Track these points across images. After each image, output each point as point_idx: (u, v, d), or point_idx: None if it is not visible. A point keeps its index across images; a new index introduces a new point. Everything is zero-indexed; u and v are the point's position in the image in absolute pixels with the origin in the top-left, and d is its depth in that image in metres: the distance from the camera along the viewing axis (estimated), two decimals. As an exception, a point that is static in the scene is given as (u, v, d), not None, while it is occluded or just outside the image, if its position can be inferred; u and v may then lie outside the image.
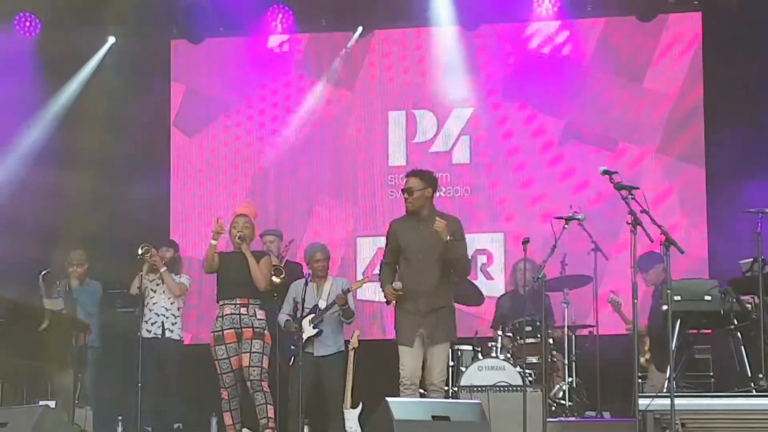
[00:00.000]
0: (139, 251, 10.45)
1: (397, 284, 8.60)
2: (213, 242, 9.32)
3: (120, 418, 11.03)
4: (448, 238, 8.44)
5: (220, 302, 9.30)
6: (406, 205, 8.69)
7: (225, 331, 9.21)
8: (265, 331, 9.29)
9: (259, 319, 9.26)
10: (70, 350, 10.28)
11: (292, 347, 10.06)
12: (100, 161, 12.27)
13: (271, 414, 9.18)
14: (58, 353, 10.13)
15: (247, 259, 9.24)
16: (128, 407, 10.20)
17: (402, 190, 8.77)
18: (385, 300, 8.85)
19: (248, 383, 9.20)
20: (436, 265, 8.58)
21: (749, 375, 8.81)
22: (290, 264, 10.91)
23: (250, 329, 9.18)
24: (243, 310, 9.20)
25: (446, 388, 8.80)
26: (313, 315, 10.12)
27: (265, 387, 9.17)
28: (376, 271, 12.14)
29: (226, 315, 9.22)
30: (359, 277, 12.23)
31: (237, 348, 9.21)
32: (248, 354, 9.17)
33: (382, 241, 12.18)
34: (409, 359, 8.53)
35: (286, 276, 10.35)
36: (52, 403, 9.76)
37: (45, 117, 12.44)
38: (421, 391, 8.90)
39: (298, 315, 10.01)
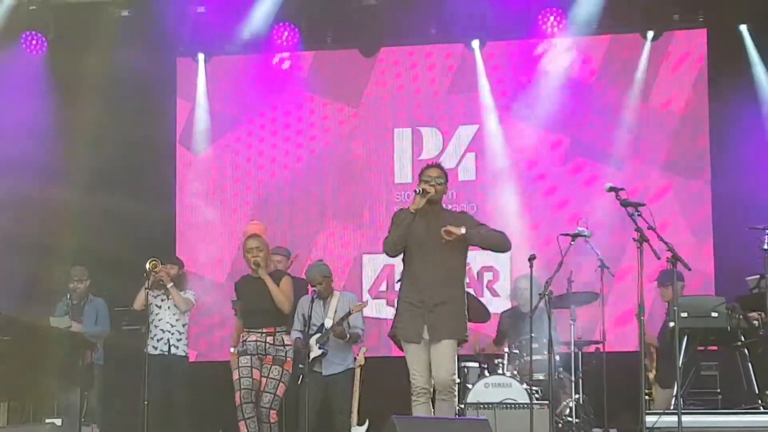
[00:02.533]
0: (147, 265, 10.44)
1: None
2: (232, 350, 9.17)
3: (126, 435, 11.05)
4: (462, 231, 7.97)
5: (246, 329, 9.10)
6: (435, 189, 8.09)
7: (249, 355, 9.04)
8: (287, 357, 9.09)
9: (286, 345, 9.08)
10: (76, 368, 10.29)
11: (301, 366, 10.04)
12: (106, 179, 12.31)
13: None
14: (65, 371, 10.15)
15: (267, 284, 9.05)
16: (135, 425, 10.17)
17: (427, 177, 8.17)
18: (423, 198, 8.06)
19: (258, 409, 9.03)
20: (446, 255, 8.09)
21: (756, 392, 8.82)
22: (295, 280, 10.89)
23: (272, 357, 9.05)
24: (269, 339, 9.02)
25: (455, 387, 8.11)
26: (319, 334, 10.08)
27: (272, 417, 8.97)
28: (382, 288, 12.24)
29: (250, 341, 9.04)
30: (365, 295, 12.25)
31: (259, 365, 9.03)
32: (265, 379, 9.03)
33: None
34: (417, 364, 8.06)
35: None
36: (58, 422, 9.79)
37: (51, 134, 12.45)
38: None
39: (306, 331, 9.99)
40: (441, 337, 8.03)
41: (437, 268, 8.12)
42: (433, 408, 8.15)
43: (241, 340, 9.14)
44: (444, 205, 8.43)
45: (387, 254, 8.25)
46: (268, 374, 9.01)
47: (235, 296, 9.47)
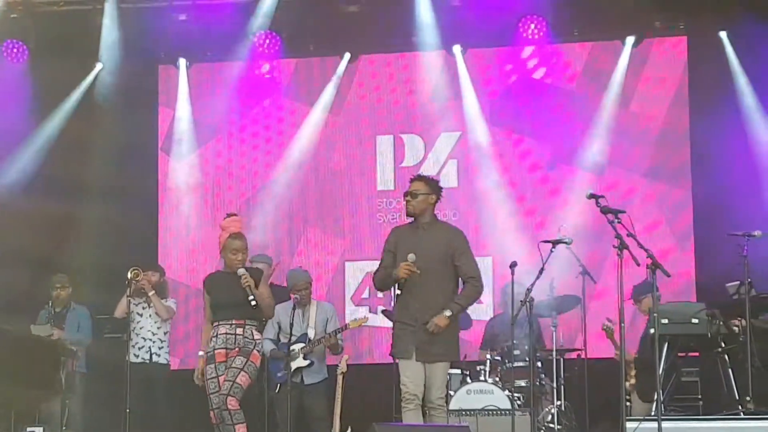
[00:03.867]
0: (129, 274, 10.43)
1: (411, 256, 8.22)
2: (201, 353, 8.98)
3: (108, 443, 11.03)
4: (447, 314, 8.23)
5: (216, 323, 8.91)
6: (407, 208, 8.44)
7: (216, 351, 8.82)
8: (254, 350, 8.86)
9: (255, 340, 8.87)
10: (57, 376, 10.27)
11: (279, 375, 10.01)
12: (87, 186, 12.28)
13: None
14: (46, 379, 10.12)
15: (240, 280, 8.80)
16: (116, 433, 10.17)
17: (405, 193, 8.51)
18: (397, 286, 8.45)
19: (219, 396, 8.75)
20: (436, 276, 8.30)
21: (737, 398, 8.83)
22: (275, 287, 10.88)
23: (239, 348, 8.84)
24: (239, 330, 8.81)
25: (443, 405, 8.41)
26: (302, 345, 10.05)
27: (231, 404, 8.61)
28: (365, 295, 12.23)
29: (220, 334, 8.83)
30: (347, 303, 12.25)
31: (225, 367, 8.83)
32: (227, 369, 8.77)
33: (370, 266, 12.22)
34: (410, 372, 8.26)
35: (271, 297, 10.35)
36: (39, 430, 9.79)
37: (33, 143, 12.43)
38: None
39: (283, 340, 9.97)
40: (433, 359, 8.29)
41: (430, 291, 8.31)
42: (424, 418, 8.35)
43: (210, 336, 8.92)
44: (437, 216, 8.57)
45: (378, 290, 8.67)
46: (231, 364, 8.73)
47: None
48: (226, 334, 8.83)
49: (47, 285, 11.11)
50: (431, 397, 8.31)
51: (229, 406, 8.62)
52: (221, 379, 8.77)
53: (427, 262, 8.29)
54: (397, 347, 8.40)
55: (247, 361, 8.78)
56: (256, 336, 8.88)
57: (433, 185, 8.51)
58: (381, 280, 8.58)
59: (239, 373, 8.73)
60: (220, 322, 8.86)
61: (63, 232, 12.21)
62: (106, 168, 12.31)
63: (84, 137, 12.30)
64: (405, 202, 8.50)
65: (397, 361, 8.46)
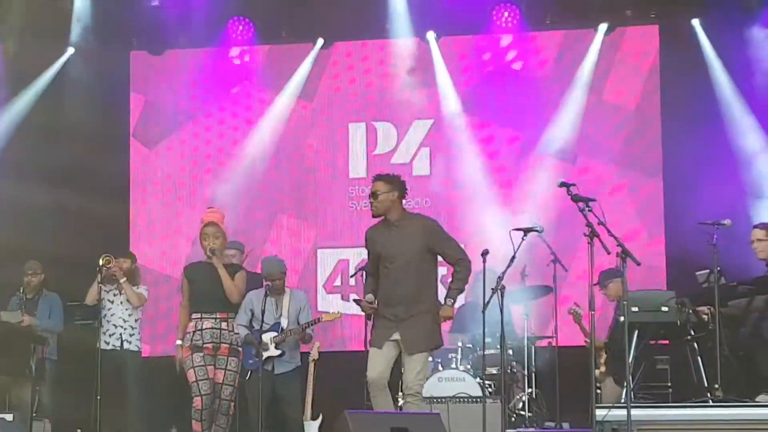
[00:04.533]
0: (100, 261, 10.39)
1: (369, 296, 8.41)
2: (179, 343, 9.10)
3: (79, 430, 10.98)
4: (451, 309, 8.39)
5: (197, 314, 9.02)
6: (372, 210, 8.47)
7: (205, 345, 8.96)
8: (239, 348, 9.12)
9: (236, 334, 9.11)
10: (28, 363, 10.23)
11: (251, 361, 10.01)
12: (58, 172, 12.22)
13: None
14: (16, 366, 10.09)
15: (218, 272, 9.00)
16: (87, 420, 10.13)
17: (369, 195, 8.54)
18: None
19: (217, 401, 9.00)
20: (412, 270, 8.31)
21: (706, 385, 8.89)
22: (249, 275, 10.88)
23: (228, 345, 9.00)
24: (224, 325, 8.98)
25: (421, 392, 8.37)
26: (275, 334, 10.04)
27: (232, 409, 9.01)
28: (337, 282, 12.24)
29: (206, 329, 8.95)
30: (320, 290, 12.26)
31: (213, 360, 8.98)
32: (223, 371, 8.98)
33: (342, 253, 12.32)
34: (374, 360, 8.30)
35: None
36: (9, 417, 9.73)
37: (1, 128, 12.36)
38: (400, 402, 8.80)
39: (256, 327, 9.97)
40: (414, 350, 8.28)
41: (407, 283, 8.33)
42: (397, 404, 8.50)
43: (192, 329, 9.01)
44: (406, 210, 8.57)
45: None
46: (226, 366, 8.97)
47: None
48: (212, 329, 8.98)
49: (18, 271, 11.05)
50: (408, 384, 8.27)
51: (230, 412, 9.01)
52: (211, 370, 8.90)
53: (404, 258, 8.32)
54: (374, 338, 8.42)
55: (238, 362, 9.08)
56: (236, 329, 9.13)
57: (395, 182, 8.47)
58: (369, 289, 8.61)
59: (236, 377, 9.06)
60: (203, 315, 8.96)
61: (34, 218, 12.14)
62: (77, 154, 12.26)
63: (55, 123, 12.24)
64: (369, 204, 8.51)
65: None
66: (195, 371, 8.94)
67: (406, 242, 8.35)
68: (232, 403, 9.02)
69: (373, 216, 8.52)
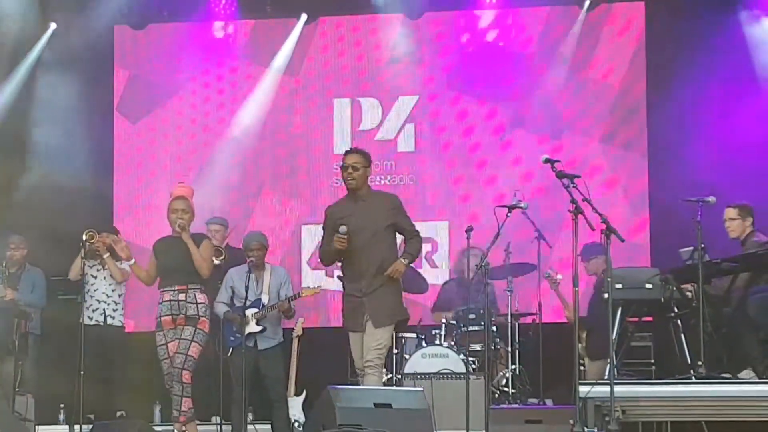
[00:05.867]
0: (84, 236, 10.36)
1: (342, 228, 8.36)
2: (131, 263, 9.28)
3: (62, 406, 10.99)
4: (404, 262, 8.44)
5: (161, 289, 9.12)
6: (348, 184, 8.52)
7: (163, 317, 9.01)
8: (202, 317, 9.00)
9: (198, 304, 8.98)
10: (11, 338, 10.21)
11: (232, 338, 10.00)
12: (41, 147, 12.15)
13: (185, 407, 8.87)
14: (-1, 341, 10.08)
15: (188, 246, 9.01)
16: (70, 395, 10.11)
17: (342, 167, 8.57)
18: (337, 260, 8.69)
19: (171, 369, 8.94)
20: (376, 244, 8.44)
21: (689, 362, 8.92)
22: (231, 249, 10.87)
23: (184, 316, 8.95)
24: (182, 296, 8.97)
25: (381, 363, 8.42)
26: (256, 310, 10.02)
27: (185, 377, 8.84)
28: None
29: (164, 301, 9.03)
30: (304, 266, 12.24)
31: (173, 334, 8.99)
32: (177, 341, 8.94)
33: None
34: (357, 348, 8.45)
35: (227, 258, 10.32)
36: (-8, 391, 9.71)
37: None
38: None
39: (237, 304, 9.95)
40: (378, 324, 8.37)
41: (370, 257, 8.43)
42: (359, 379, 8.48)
43: (158, 303, 9.09)
44: (371, 186, 8.67)
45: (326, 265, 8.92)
46: (180, 336, 8.93)
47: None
48: (170, 301, 9.01)
49: (1, 246, 11.01)
50: (368, 354, 8.35)
51: (183, 380, 8.84)
52: (171, 346, 8.89)
53: (370, 231, 8.43)
54: (347, 320, 8.55)
55: (195, 330, 8.96)
56: (200, 299, 8.99)
57: (368, 156, 8.65)
58: (326, 257, 8.77)
59: (190, 344, 8.93)
60: (164, 289, 9.02)
61: (16, 192, 12.08)
62: (60, 128, 12.18)
63: (38, 97, 12.18)
64: (346, 176, 8.52)
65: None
66: (158, 351, 9.07)
67: (372, 217, 8.46)
68: (185, 372, 8.86)
69: (354, 189, 8.54)
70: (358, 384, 8.48)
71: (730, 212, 9.51)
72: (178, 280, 9.00)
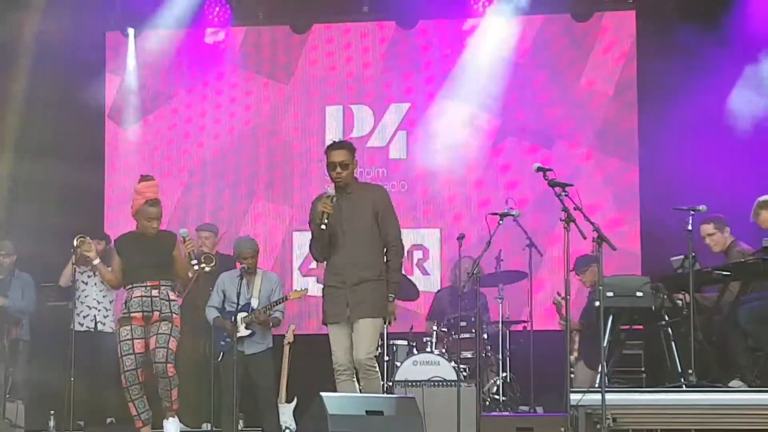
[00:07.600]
0: (75, 242, 10.33)
1: (329, 190, 8.06)
2: (97, 264, 9.10)
3: (52, 412, 10.95)
4: (393, 306, 8.19)
5: (129, 286, 8.80)
6: (337, 180, 8.17)
7: (132, 314, 8.71)
8: (175, 315, 8.79)
9: (171, 301, 8.77)
10: (1, 344, 10.19)
11: (222, 343, 9.99)
12: (33, 153, 12.15)
13: (174, 396, 8.69)
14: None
15: (158, 242, 8.76)
16: (60, 401, 10.08)
17: (329, 165, 8.21)
18: (322, 224, 8.06)
19: (153, 366, 8.71)
20: (363, 238, 8.15)
21: (680, 371, 8.93)
22: (221, 256, 10.86)
23: (158, 312, 8.71)
24: (155, 292, 8.71)
25: (374, 365, 8.10)
26: (245, 314, 10.02)
27: (170, 370, 8.63)
28: (312, 265, 12.20)
29: (135, 297, 8.72)
30: (295, 272, 12.24)
31: (143, 331, 8.73)
32: (155, 336, 8.67)
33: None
34: (338, 342, 8.13)
35: (217, 265, 10.32)
36: (-18, 398, 9.70)
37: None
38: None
39: (228, 309, 9.95)
40: (361, 316, 8.07)
41: (354, 250, 8.15)
42: (358, 384, 8.19)
43: (124, 301, 8.84)
44: (357, 179, 8.39)
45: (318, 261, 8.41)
46: (158, 331, 8.65)
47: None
48: (141, 297, 8.73)
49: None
50: (359, 357, 8.05)
51: (169, 374, 8.65)
52: (140, 343, 8.69)
53: (357, 225, 8.17)
54: (328, 311, 8.19)
55: (172, 326, 8.73)
56: (171, 296, 8.81)
57: (354, 149, 8.34)
58: (316, 248, 8.30)
59: (169, 338, 8.69)
60: (134, 285, 8.74)
61: (7, 198, 12.06)
62: (52, 135, 12.18)
63: (29, 103, 12.17)
64: (334, 176, 8.20)
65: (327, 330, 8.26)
66: (120, 347, 8.73)
67: (358, 210, 8.19)
68: (170, 365, 8.66)
69: (341, 186, 8.22)
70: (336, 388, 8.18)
71: (707, 228, 9.51)
72: (149, 276, 8.73)
